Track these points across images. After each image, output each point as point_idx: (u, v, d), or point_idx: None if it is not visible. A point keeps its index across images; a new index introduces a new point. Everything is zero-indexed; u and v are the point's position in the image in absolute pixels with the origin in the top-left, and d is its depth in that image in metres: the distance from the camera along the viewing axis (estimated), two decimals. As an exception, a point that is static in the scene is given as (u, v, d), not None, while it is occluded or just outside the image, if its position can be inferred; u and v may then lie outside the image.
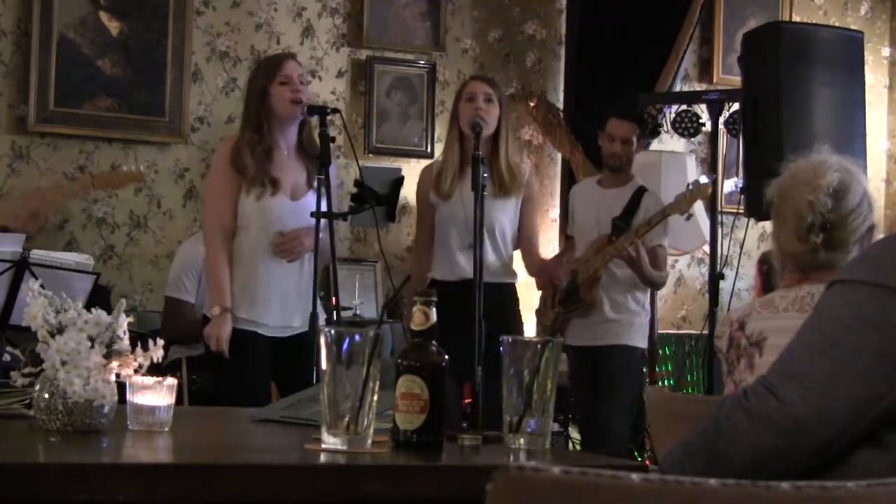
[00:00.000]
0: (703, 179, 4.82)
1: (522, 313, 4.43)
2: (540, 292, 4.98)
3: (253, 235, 3.87)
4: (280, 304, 3.88)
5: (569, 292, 4.77)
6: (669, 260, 6.91)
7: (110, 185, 4.93)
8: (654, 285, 4.92)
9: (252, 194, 3.86)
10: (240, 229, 3.89)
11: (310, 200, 3.84)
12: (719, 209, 5.16)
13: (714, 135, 5.28)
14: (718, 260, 5.02)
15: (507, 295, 4.29)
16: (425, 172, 4.45)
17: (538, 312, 4.99)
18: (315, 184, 3.81)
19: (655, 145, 6.42)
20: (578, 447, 5.23)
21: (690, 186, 4.71)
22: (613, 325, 4.76)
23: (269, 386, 3.99)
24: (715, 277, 4.97)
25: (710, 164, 6.38)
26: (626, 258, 4.63)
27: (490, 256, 4.19)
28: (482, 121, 4.10)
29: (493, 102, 4.21)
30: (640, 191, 4.89)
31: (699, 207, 5.73)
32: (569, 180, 6.30)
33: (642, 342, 4.87)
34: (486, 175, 3.88)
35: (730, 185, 6.96)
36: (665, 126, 5.40)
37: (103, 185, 4.87)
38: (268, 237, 3.86)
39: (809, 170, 2.44)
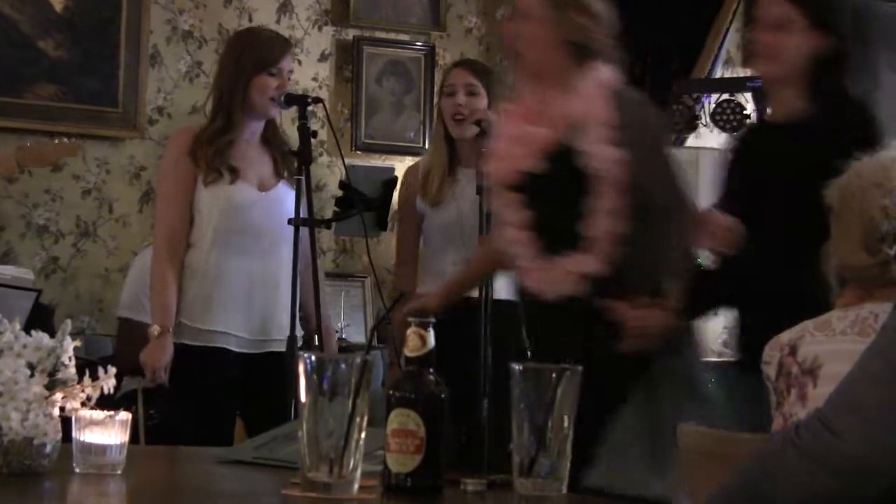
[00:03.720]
0: None
1: None
2: None
3: (213, 231, 3.87)
4: (251, 310, 3.87)
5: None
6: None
7: (39, 162, 4.89)
8: None
9: (206, 181, 3.87)
10: (197, 228, 3.89)
11: (282, 193, 3.85)
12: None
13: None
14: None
15: (514, 314, 4.29)
16: (410, 173, 4.46)
17: None
18: (286, 175, 3.82)
19: (692, 141, 6.42)
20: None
21: None
22: None
23: (234, 419, 3.99)
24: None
25: (755, 163, 6.37)
26: None
27: None
28: (471, 117, 4.10)
29: (477, 95, 4.21)
30: None
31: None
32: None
33: None
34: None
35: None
36: (703, 118, 5.41)
37: (31, 163, 4.82)
38: (232, 231, 3.86)
39: (879, 169, 2.43)
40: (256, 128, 3.99)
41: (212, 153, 3.87)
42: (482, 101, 4.20)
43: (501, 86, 4.33)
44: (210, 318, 3.87)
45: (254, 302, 3.88)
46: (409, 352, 1.91)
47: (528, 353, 4.43)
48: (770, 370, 2.54)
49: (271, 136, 4.02)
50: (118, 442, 1.98)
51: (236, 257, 3.87)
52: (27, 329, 2.04)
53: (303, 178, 3.72)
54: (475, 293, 3.92)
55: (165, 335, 3.83)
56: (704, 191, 5.55)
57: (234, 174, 3.88)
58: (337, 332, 5.53)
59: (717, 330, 7.07)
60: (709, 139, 6.57)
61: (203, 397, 3.85)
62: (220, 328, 3.87)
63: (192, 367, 3.85)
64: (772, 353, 2.57)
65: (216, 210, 3.87)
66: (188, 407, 3.88)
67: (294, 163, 3.86)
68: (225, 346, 3.86)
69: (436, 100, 4.64)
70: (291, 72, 4.00)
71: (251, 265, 3.88)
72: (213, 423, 3.80)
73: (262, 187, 3.94)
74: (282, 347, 3.83)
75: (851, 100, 3.14)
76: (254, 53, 3.93)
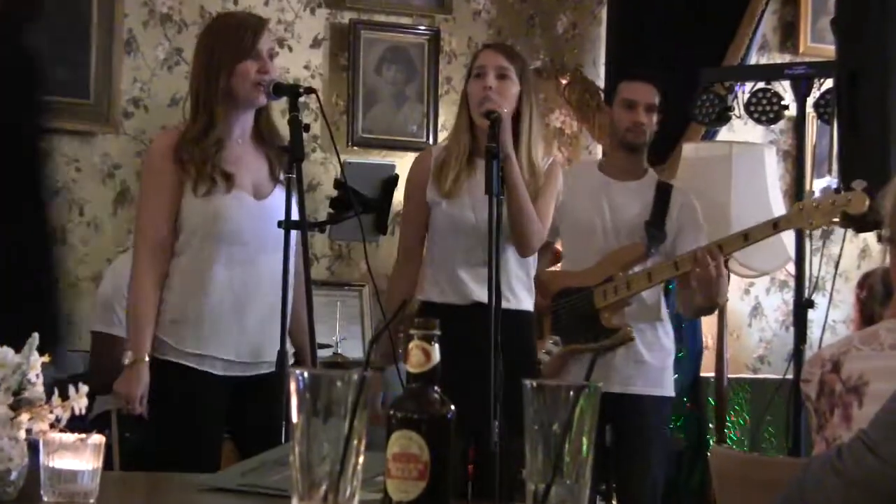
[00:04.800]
0: (855, 187, 4.64)
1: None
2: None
3: (202, 244, 3.87)
4: (240, 332, 3.88)
5: (586, 318, 4.73)
6: (742, 283, 6.94)
7: None
8: (710, 312, 4.93)
9: (199, 193, 3.86)
10: (183, 240, 3.89)
11: (278, 201, 3.85)
12: (807, 217, 5.16)
13: (800, 121, 5.28)
14: (806, 283, 5.02)
15: (527, 324, 4.30)
16: (423, 159, 4.42)
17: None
18: (282, 178, 3.81)
19: (724, 134, 6.43)
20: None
21: (836, 191, 4.63)
22: (646, 369, 4.77)
23: (220, 444, 3.99)
24: (802, 305, 4.97)
25: (794, 159, 6.37)
26: (703, 278, 4.61)
27: (510, 273, 4.19)
28: (493, 104, 4.08)
29: (509, 79, 4.19)
30: (664, 187, 4.92)
31: (781, 214, 5.73)
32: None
33: (672, 389, 4.93)
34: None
35: (821, 185, 6.95)
36: (737, 109, 5.41)
37: None
38: (222, 246, 3.86)
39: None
40: (246, 122, 3.98)
41: (200, 157, 3.86)
42: (513, 88, 4.18)
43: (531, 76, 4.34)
44: (196, 341, 3.87)
45: (245, 321, 3.88)
46: (411, 367, 1.91)
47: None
48: (810, 389, 2.54)
49: (265, 132, 4.01)
50: (90, 468, 1.98)
51: (224, 272, 3.86)
52: (-10, 344, 2.05)
53: (294, 176, 3.71)
54: (482, 297, 3.92)
55: (140, 364, 3.83)
56: (738, 188, 5.58)
57: (229, 181, 3.88)
58: (331, 346, 5.55)
59: (752, 345, 7.09)
60: (743, 132, 6.58)
61: (186, 418, 3.85)
62: (206, 352, 3.87)
63: (174, 385, 3.85)
64: (812, 371, 2.56)
65: (206, 222, 3.86)
66: (168, 429, 3.87)
67: (284, 160, 3.86)
68: (211, 370, 3.87)
69: (443, 89, 4.61)
70: (273, 50, 3.99)
71: (240, 280, 3.88)
72: (197, 447, 3.80)
73: (258, 194, 3.93)
74: (267, 370, 3.84)
75: None
76: (226, 43, 3.93)
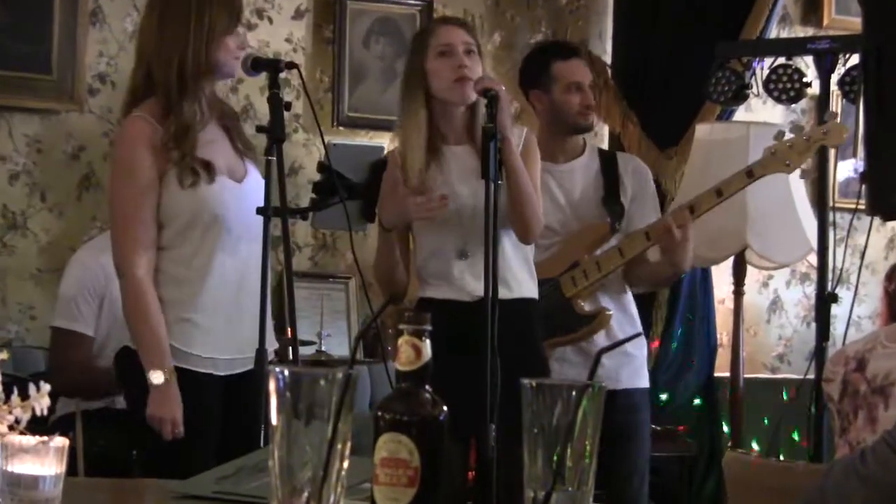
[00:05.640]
0: (828, 118, 4.70)
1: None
2: None
3: (195, 238, 3.86)
4: (226, 327, 3.87)
5: (558, 309, 4.74)
6: (760, 276, 6.95)
7: None
8: (671, 282, 4.96)
9: (185, 184, 3.84)
10: (173, 233, 3.87)
11: (255, 182, 3.85)
12: (831, 204, 5.17)
13: (824, 99, 5.29)
14: (830, 276, 5.03)
15: (530, 315, 4.30)
16: (391, 158, 4.40)
17: None
18: (246, 152, 3.81)
19: (741, 114, 6.44)
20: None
21: (808, 127, 4.69)
22: (629, 360, 4.80)
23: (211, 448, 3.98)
24: (825, 300, 4.98)
25: (817, 141, 6.39)
26: (670, 245, 4.65)
27: (509, 261, 4.20)
28: (490, 81, 4.10)
29: (476, 55, 4.21)
30: (607, 156, 5.01)
31: (802, 201, 5.74)
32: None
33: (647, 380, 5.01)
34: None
35: (846, 169, 6.96)
36: (755, 87, 5.41)
37: None
38: (206, 233, 3.86)
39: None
40: (205, 93, 3.96)
41: (177, 146, 3.84)
42: (480, 65, 4.22)
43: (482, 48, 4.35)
44: (205, 341, 3.85)
45: (229, 315, 3.87)
46: (401, 365, 1.92)
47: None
48: (833, 389, 2.55)
49: (213, 102, 3.99)
50: (53, 473, 1.98)
51: (211, 262, 3.85)
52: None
53: (274, 158, 3.71)
54: (479, 290, 3.93)
55: (171, 383, 3.76)
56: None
57: (210, 170, 3.87)
58: (315, 343, 5.56)
59: (771, 343, 7.10)
60: (761, 112, 6.59)
61: (192, 427, 3.82)
62: (214, 354, 3.86)
63: (183, 393, 3.83)
64: (835, 369, 2.57)
65: (192, 214, 3.84)
66: (172, 441, 3.83)
67: (242, 126, 3.83)
68: (213, 371, 3.86)
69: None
70: (249, 22, 3.99)
71: (226, 270, 3.87)
72: (198, 456, 3.76)
73: (234, 175, 3.92)
74: (249, 366, 3.83)
75: None
76: (220, 10, 3.88)
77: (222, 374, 3.87)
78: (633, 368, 4.83)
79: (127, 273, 3.85)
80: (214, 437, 3.90)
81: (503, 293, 3.93)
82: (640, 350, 4.91)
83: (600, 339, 4.77)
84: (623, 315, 4.86)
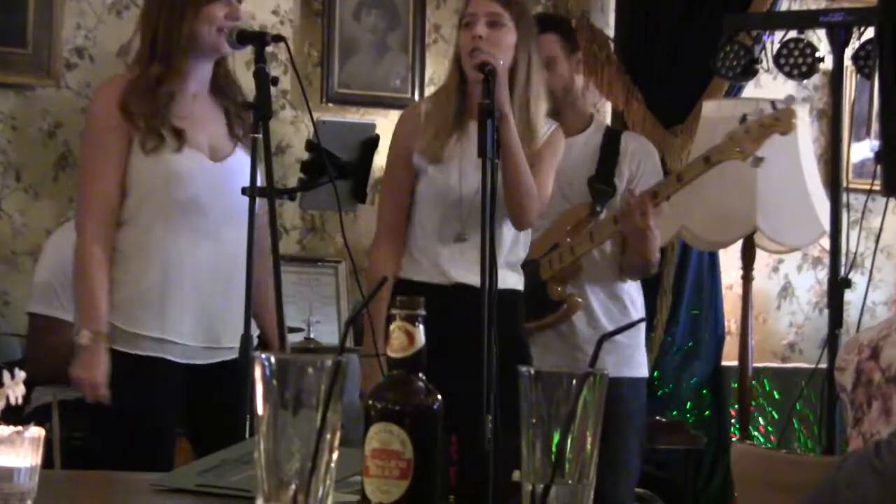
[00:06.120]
0: (784, 104, 4.71)
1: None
2: None
3: (153, 209, 3.88)
4: (198, 312, 3.88)
5: (532, 292, 4.74)
6: (770, 260, 6.95)
7: None
8: (646, 273, 4.95)
9: (147, 149, 3.86)
10: (132, 206, 3.89)
11: (239, 163, 3.85)
12: (845, 185, 5.17)
13: (837, 75, 5.29)
14: (843, 260, 5.03)
15: (515, 306, 4.31)
16: (410, 116, 4.39)
17: None
18: (242, 136, 3.81)
19: (750, 90, 6.44)
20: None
21: (764, 111, 4.71)
22: (615, 347, 4.77)
23: (174, 442, 4.00)
24: (838, 285, 4.98)
25: (830, 119, 6.38)
26: (633, 231, 4.66)
27: (505, 250, 4.20)
28: (485, 55, 4.07)
29: (503, 27, 4.17)
30: (611, 133, 5.00)
31: (815, 182, 5.74)
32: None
33: (646, 369, 5.02)
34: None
35: (861, 149, 6.97)
36: (765, 62, 5.42)
37: None
38: (176, 211, 3.86)
39: None
40: (204, 73, 3.98)
41: (150, 111, 3.86)
42: (508, 37, 4.16)
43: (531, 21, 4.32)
44: (149, 323, 3.87)
45: (203, 300, 3.89)
46: (393, 352, 1.92)
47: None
48: (846, 379, 2.55)
49: (224, 85, 4.02)
50: (28, 465, 1.99)
51: (182, 243, 3.87)
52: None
53: (260, 136, 3.71)
54: (462, 276, 3.94)
55: (99, 343, 3.83)
56: (765, 153, 5.58)
57: (180, 139, 3.88)
58: (303, 330, 5.56)
59: (781, 330, 7.11)
60: (771, 88, 6.59)
61: (140, 414, 3.85)
62: (162, 335, 3.87)
63: (123, 377, 3.86)
64: (848, 358, 2.58)
65: (157, 185, 3.87)
66: (120, 426, 3.88)
67: (249, 118, 3.86)
68: (168, 356, 3.88)
69: (430, 38, 4.58)
70: None
71: (200, 253, 3.88)
72: (152, 446, 3.81)
73: (215, 154, 3.94)
74: (229, 356, 3.85)
75: None
76: None
77: (182, 360, 3.88)
78: (620, 357, 4.81)
79: (77, 238, 3.93)
80: (173, 427, 3.93)
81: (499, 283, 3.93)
82: (630, 338, 4.89)
83: (581, 326, 4.78)
84: (613, 302, 4.86)
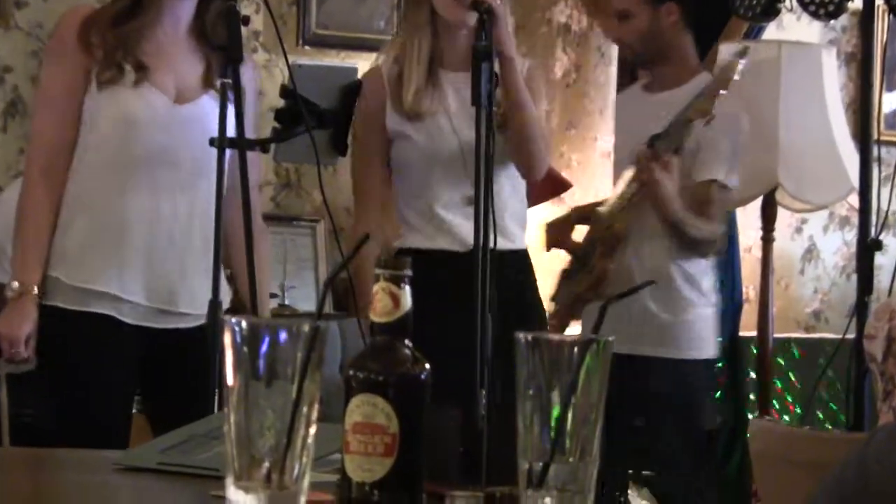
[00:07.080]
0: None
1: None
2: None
3: (105, 153, 3.87)
4: (152, 269, 3.88)
5: (582, 256, 4.74)
6: (792, 220, 6.96)
7: None
8: (693, 244, 4.92)
9: (101, 79, 3.85)
10: (83, 148, 3.89)
11: (205, 109, 3.85)
12: (875, 136, 5.17)
13: (867, 15, 5.28)
14: (873, 219, 5.04)
15: (526, 267, 4.32)
16: (371, 80, 4.42)
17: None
18: (217, 87, 3.82)
19: (771, 32, 6.44)
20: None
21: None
22: (656, 324, 4.81)
23: (130, 415, 4.01)
24: (868, 247, 4.99)
25: (860, 64, 6.39)
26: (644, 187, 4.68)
27: (504, 206, 4.21)
28: None
29: None
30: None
31: (842, 133, 5.74)
32: (631, 89, 6.32)
33: (709, 350, 4.96)
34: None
35: (893, 98, 6.97)
36: (787, 2, 5.41)
37: None
38: (130, 156, 3.86)
39: None
40: (182, 11, 3.96)
41: (112, 40, 3.85)
42: None
43: None
44: (94, 275, 3.87)
45: (157, 257, 3.88)
46: (376, 316, 1.92)
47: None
48: (875, 348, 2.57)
49: (209, 28, 3.99)
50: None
51: (136, 192, 3.86)
52: None
53: (230, 81, 3.71)
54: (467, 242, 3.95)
55: (26, 296, 3.84)
56: (788, 100, 5.59)
57: (141, 73, 3.87)
58: (277, 295, 5.57)
59: (805, 297, 7.12)
60: (795, 30, 6.59)
61: (85, 380, 3.86)
62: (107, 289, 3.87)
63: (68, 339, 3.87)
64: (878, 325, 2.59)
65: (110, 123, 3.86)
66: (62, 394, 3.88)
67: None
68: (112, 313, 3.87)
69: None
70: None
71: (156, 205, 3.87)
72: (102, 419, 3.82)
73: (180, 98, 3.93)
74: (191, 323, 3.85)
75: None
76: None
77: (129, 320, 3.88)
78: (658, 335, 4.82)
79: (25, 184, 3.95)
80: (128, 398, 3.95)
81: (501, 243, 3.94)
82: (674, 315, 4.87)
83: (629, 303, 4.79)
84: (665, 282, 4.82)
